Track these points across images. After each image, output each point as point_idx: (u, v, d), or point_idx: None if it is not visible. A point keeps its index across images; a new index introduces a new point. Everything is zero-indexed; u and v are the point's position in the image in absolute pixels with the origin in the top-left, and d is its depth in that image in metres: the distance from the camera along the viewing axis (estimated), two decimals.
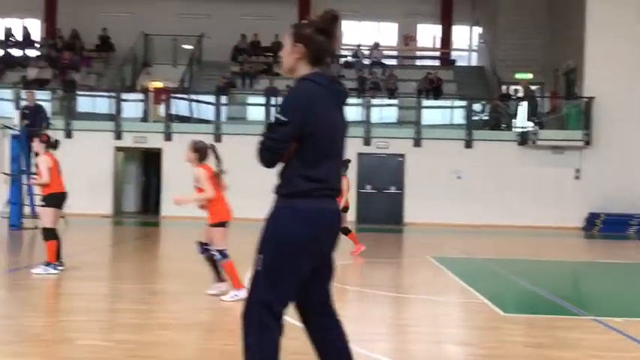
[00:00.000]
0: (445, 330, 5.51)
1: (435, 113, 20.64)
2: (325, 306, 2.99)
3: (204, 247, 6.18)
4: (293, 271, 2.79)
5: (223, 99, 20.17)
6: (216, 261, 6.13)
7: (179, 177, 18.52)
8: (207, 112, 19.99)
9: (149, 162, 21.21)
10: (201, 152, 6.07)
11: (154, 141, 18.95)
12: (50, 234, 7.52)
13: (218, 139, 18.76)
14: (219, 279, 6.26)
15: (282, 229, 2.78)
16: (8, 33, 24.09)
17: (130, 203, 21.01)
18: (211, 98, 20.08)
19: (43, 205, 7.65)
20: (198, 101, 20.70)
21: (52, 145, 7.93)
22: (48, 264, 7.45)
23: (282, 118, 2.73)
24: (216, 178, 6.06)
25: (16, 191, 13.22)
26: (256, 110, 20.56)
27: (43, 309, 5.98)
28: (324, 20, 2.86)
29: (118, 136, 18.97)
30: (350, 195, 10.66)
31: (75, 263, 8.40)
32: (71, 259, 8.43)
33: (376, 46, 23.36)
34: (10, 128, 13.61)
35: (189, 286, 7.12)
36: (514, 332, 5.30)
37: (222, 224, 6.09)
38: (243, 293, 5.97)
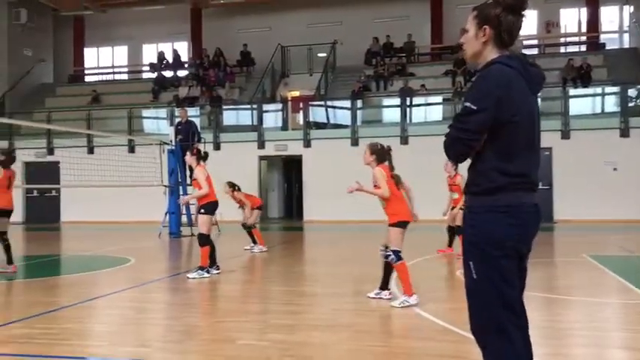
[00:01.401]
0: (609, 334, 5.10)
1: (584, 102, 19.24)
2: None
3: (386, 250, 6.16)
4: (504, 273, 2.58)
5: (358, 103, 20.38)
6: (390, 265, 6.11)
7: (319, 182, 19.15)
8: (344, 116, 20.32)
9: (290, 169, 22.03)
10: (378, 154, 6.11)
11: (294, 148, 19.62)
12: (205, 240, 8.06)
13: (355, 142, 19.02)
14: (384, 286, 6.25)
15: (483, 231, 2.57)
16: (161, 57, 26.27)
17: (274, 209, 21.91)
18: (347, 103, 20.38)
19: (201, 213, 8.20)
20: (334, 107, 21.11)
21: (202, 157, 8.50)
22: (202, 268, 7.99)
23: (472, 107, 2.50)
24: (394, 179, 6.09)
25: (174, 202, 14.32)
26: (392, 112, 20.52)
27: (203, 310, 6.40)
28: None
29: (261, 146, 19.89)
30: None
31: (229, 267, 8.94)
32: (225, 263, 8.97)
33: None
34: (167, 144, 14.78)
35: (334, 289, 7.28)
36: None
37: (401, 224, 6.05)
38: (413, 300, 5.89)
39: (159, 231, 14.53)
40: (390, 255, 6.01)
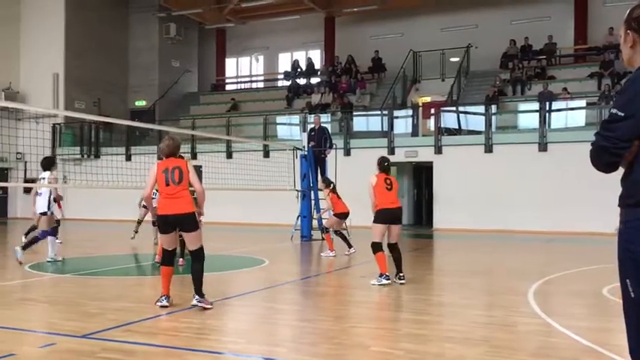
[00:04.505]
0: None
1: None
2: None
3: None
4: None
5: (493, 108, 19.66)
6: None
7: (450, 189, 18.72)
8: (477, 122, 19.69)
9: (420, 175, 21.74)
10: None
11: (425, 155, 19.33)
12: (376, 247, 8.17)
13: (489, 149, 18.37)
14: None
15: (636, 247, 2.40)
16: (295, 65, 27.16)
17: (404, 216, 21.61)
18: (480, 108, 19.74)
19: (374, 222, 8.39)
20: (466, 112, 20.53)
21: (383, 168, 8.72)
22: (380, 275, 8.08)
23: (619, 113, 2.38)
24: None
25: (306, 206, 14.68)
26: (529, 117, 19.56)
27: (335, 314, 6.46)
28: None
29: (391, 152, 19.79)
30: None
31: (359, 272, 8.99)
32: (355, 268, 9.04)
33: None
34: (300, 149, 15.20)
35: (466, 300, 7.06)
36: None
37: None
38: None
39: (291, 234, 14.96)
40: None
